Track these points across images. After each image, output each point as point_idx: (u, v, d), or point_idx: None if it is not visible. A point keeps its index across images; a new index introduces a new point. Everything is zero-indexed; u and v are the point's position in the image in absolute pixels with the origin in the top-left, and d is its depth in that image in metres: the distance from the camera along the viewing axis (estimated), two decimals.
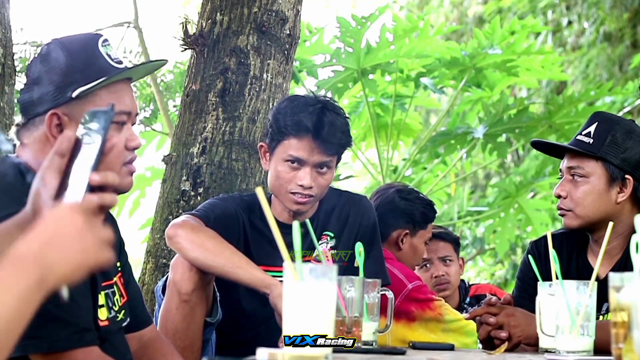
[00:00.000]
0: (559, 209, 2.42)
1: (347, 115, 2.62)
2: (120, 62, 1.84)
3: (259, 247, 2.56)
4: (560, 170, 2.45)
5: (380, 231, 3.00)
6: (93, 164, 1.32)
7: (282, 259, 2.27)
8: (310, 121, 2.48)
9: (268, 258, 2.45)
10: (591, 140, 2.36)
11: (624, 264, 2.32)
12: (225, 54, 3.25)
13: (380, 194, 3.11)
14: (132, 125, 1.88)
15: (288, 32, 3.32)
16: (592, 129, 2.38)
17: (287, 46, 3.32)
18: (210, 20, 3.30)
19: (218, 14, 3.29)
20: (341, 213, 2.65)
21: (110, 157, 1.77)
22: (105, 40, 1.85)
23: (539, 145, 2.56)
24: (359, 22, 4.64)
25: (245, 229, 2.57)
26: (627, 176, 2.36)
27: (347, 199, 2.68)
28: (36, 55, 1.85)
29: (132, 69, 1.86)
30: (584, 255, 2.45)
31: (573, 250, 2.46)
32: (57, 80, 1.78)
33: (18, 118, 1.88)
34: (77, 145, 1.35)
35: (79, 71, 1.78)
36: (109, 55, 1.82)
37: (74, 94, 1.76)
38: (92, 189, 1.32)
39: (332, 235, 2.64)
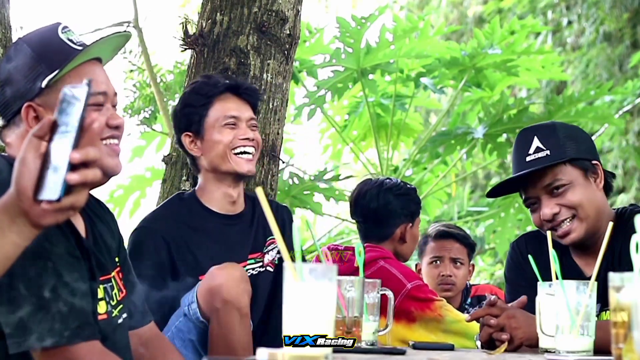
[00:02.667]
0: (556, 226, 2.30)
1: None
2: (83, 45, 1.85)
3: (204, 249, 2.56)
4: (529, 198, 2.35)
5: (384, 231, 3.03)
6: (72, 142, 1.33)
7: (232, 253, 2.29)
8: (223, 80, 2.65)
9: (216, 258, 2.45)
10: (548, 152, 2.30)
11: (610, 265, 2.26)
12: (225, 54, 3.24)
13: (371, 195, 3.10)
14: (114, 106, 1.89)
15: (288, 32, 3.31)
16: (537, 143, 2.31)
17: (287, 46, 3.32)
18: (210, 20, 3.30)
19: (218, 14, 3.29)
20: (276, 216, 2.70)
21: (90, 134, 1.79)
22: (65, 27, 1.86)
23: (495, 193, 2.46)
24: (358, 23, 4.64)
25: (171, 249, 2.54)
26: (593, 162, 2.34)
27: (276, 205, 2.79)
28: (2, 58, 1.88)
29: (92, 46, 1.85)
30: (568, 255, 2.42)
31: (555, 250, 2.44)
32: (25, 75, 1.81)
33: None
34: (55, 127, 1.36)
35: (43, 61, 1.80)
36: (70, 40, 1.83)
37: (43, 84, 1.79)
38: (75, 166, 1.32)
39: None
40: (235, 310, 2.31)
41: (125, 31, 2.02)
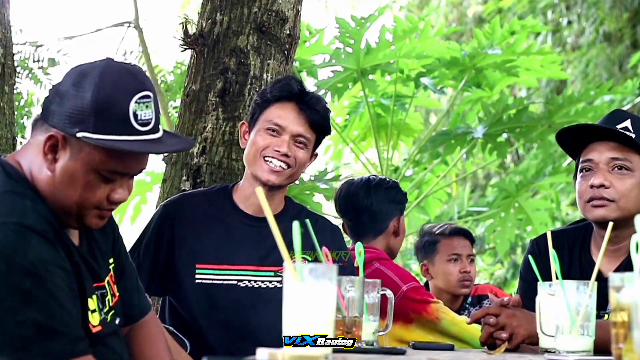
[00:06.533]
0: (595, 199, 2.31)
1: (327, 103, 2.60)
2: (146, 124, 1.73)
3: (208, 238, 2.50)
4: (589, 161, 2.34)
5: (379, 226, 3.04)
6: None
7: (237, 248, 2.23)
8: (296, 87, 2.48)
9: (230, 255, 2.44)
10: (634, 135, 2.29)
11: (630, 264, 2.30)
12: (225, 54, 3.25)
13: (362, 193, 3.09)
14: (130, 178, 1.80)
15: (288, 32, 3.32)
16: (627, 124, 2.31)
17: (287, 46, 3.32)
18: (210, 20, 3.30)
19: (218, 14, 3.29)
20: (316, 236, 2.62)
21: (85, 203, 1.75)
22: (145, 97, 1.73)
23: (565, 135, 2.41)
24: (358, 23, 4.64)
25: (174, 230, 2.50)
26: None
27: (322, 225, 2.59)
28: (78, 67, 1.76)
29: (145, 145, 1.74)
30: (587, 252, 2.43)
31: (574, 247, 2.45)
32: (73, 111, 1.70)
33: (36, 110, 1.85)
34: None
35: (94, 115, 1.68)
36: (135, 115, 1.71)
37: (78, 135, 1.69)
38: None
39: (309, 259, 2.46)
40: None
41: (188, 144, 1.94)
